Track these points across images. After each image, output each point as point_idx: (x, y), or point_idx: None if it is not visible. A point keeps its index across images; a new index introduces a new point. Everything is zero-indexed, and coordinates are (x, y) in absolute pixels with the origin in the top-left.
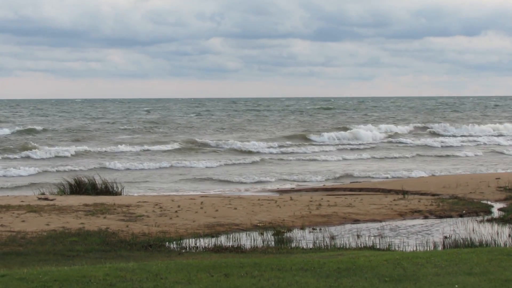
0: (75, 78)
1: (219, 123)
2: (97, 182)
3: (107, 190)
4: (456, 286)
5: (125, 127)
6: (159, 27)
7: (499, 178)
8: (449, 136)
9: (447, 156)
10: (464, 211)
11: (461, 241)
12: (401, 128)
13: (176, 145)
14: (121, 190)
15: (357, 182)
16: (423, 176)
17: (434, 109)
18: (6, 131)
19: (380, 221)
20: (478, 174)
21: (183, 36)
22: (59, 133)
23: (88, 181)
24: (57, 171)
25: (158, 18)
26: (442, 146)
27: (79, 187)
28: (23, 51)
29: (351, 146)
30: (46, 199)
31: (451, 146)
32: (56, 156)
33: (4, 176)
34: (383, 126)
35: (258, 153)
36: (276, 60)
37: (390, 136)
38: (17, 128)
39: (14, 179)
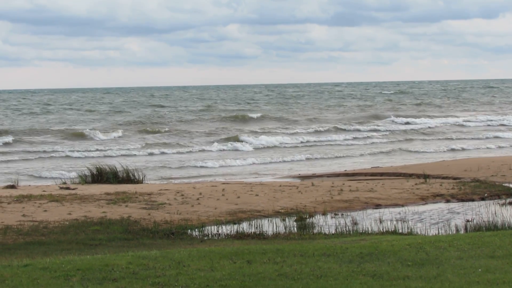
0: (94, 67)
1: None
2: (118, 170)
3: (128, 178)
4: (479, 269)
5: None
6: (175, 14)
7: None
8: None
9: None
10: (486, 194)
11: (484, 224)
12: None
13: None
14: (142, 178)
15: (378, 167)
16: (444, 160)
17: None
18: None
19: (402, 205)
20: (500, 157)
21: (200, 23)
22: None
23: (109, 170)
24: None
25: (174, 5)
26: None
27: (100, 176)
28: (40, 41)
29: None
30: (67, 188)
31: None
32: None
33: None
34: None
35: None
36: (294, 46)
37: None
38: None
39: None
